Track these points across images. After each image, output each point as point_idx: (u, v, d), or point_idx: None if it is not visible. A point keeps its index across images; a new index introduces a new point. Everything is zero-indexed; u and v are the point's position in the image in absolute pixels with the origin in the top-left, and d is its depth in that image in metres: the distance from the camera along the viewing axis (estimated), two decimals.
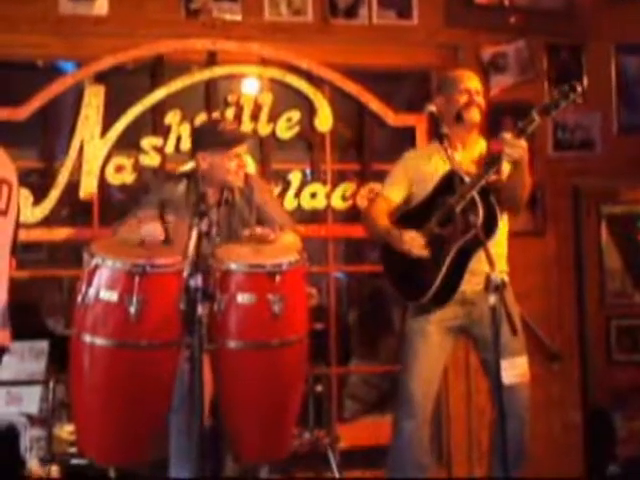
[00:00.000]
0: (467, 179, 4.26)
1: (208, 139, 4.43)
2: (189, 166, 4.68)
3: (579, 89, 4.22)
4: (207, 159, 4.38)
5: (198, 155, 4.42)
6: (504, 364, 4.19)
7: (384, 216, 4.52)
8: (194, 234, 3.86)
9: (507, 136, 4.23)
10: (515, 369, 4.31)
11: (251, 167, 5.03)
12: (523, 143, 4.20)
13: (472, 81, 4.58)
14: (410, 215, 4.50)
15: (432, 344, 4.44)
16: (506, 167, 4.32)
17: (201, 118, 5.45)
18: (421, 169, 4.54)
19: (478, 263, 4.24)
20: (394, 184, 4.60)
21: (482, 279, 4.15)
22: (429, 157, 4.55)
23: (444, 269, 4.31)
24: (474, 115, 4.49)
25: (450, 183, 4.24)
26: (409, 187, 4.57)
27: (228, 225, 4.42)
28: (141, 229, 4.14)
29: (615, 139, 6.06)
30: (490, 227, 4.23)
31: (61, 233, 5.44)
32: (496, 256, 4.06)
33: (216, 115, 5.49)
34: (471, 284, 4.34)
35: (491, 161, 4.28)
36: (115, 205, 5.63)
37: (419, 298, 4.38)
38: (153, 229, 4.13)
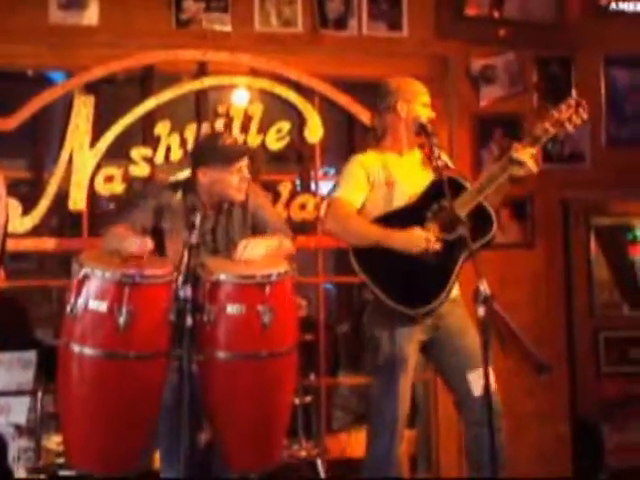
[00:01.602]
0: (468, 185, 4.28)
1: (209, 155, 4.37)
2: (184, 175, 4.65)
3: (583, 103, 4.32)
4: (207, 175, 4.35)
5: (199, 171, 4.38)
6: (471, 376, 4.22)
7: (364, 219, 4.42)
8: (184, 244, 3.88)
9: (518, 146, 4.29)
10: (482, 380, 4.28)
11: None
12: (534, 152, 4.29)
13: (427, 95, 4.57)
14: (389, 219, 4.38)
15: (409, 364, 4.36)
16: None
17: (191, 129, 5.46)
18: (379, 174, 4.47)
19: None
20: (355, 187, 4.46)
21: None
22: (377, 162, 4.50)
23: (454, 277, 4.29)
24: (434, 128, 4.47)
25: (444, 189, 4.19)
26: (367, 191, 4.46)
27: (226, 233, 4.41)
28: (125, 241, 4.11)
29: (604, 151, 6.08)
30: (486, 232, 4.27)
31: (50, 243, 5.43)
32: None
33: (217, 128, 5.50)
34: None
35: (501, 169, 4.29)
36: (104, 215, 5.62)
37: (419, 306, 4.29)
38: (139, 243, 4.09)
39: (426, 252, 4.23)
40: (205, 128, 5.50)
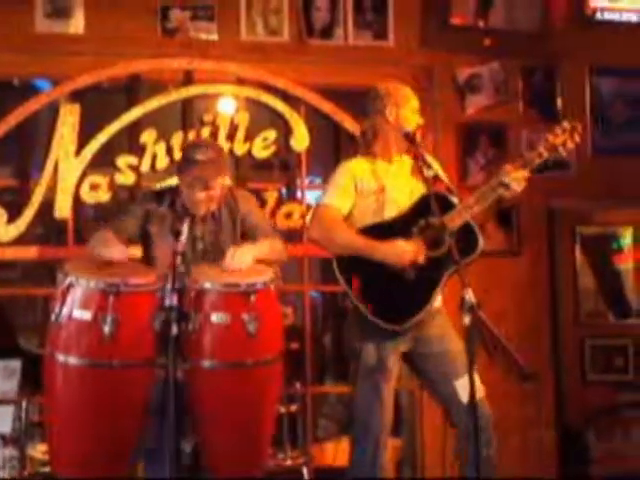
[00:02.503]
0: (456, 201, 4.26)
1: (183, 165, 4.38)
2: (172, 181, 4.65)
3: (578, 127, 4.32)
4: (180, 182, 4.39)
5: (180, 176, 4.40)
6: (459, 384, 4.20)
7: (350, 228, 4.37)
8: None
9: (509, 168, 4.25)
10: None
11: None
12: (526, 175, 4.25)
13: (417, 101, 4.54)
14: (375, 231, 4.34)
15: (391, 375, 4.33)
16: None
17: (177, 138, 5.46)
18: (369, 182, 4.42)
19: None
20: (342, 194, 4.41)
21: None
22: (370, 170, 4.45)
23: (436, 294, 4.27)
24: (421, 137, 4.45)
25: (433, 204, 4.17)
26: (355, 199, 4.41)
27: (215, 240, 4.40)
28: (105, 249, 4.13)
29: (589, 160, 6.09)
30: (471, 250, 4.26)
31: (35, 252, 5.41)
32: None
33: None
34: None
35: (491, 189, 4.26)
36: (90, 224, 5.61)
37: (399, 322, 4.25)
38: (115, 254, 4.11)
39: (409, 266, 4.23)
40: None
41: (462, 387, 4.14)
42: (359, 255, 4.28)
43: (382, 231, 4.33)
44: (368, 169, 4.46)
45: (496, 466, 4.32)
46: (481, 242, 4.25)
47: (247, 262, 4.19)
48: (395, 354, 4.34)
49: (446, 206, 4.25)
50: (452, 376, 4.28)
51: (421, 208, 4.29)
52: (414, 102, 4.51)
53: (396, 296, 4.28)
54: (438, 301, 4.41)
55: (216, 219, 4.42)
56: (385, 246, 4.25)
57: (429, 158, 4.50)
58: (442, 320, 4.42)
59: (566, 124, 4.33)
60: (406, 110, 4.46)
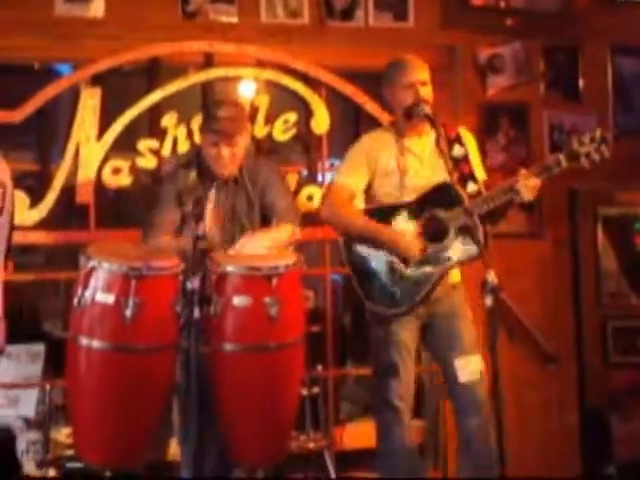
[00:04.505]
0: (463, 197, 4.16)
1: (205, 122, 4.46)
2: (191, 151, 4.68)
3: (609, 139, 4.16)
4: (203, 141, 4.44)
5: (201, 135, 4.49)
6: (458, 362, 4.21)
7: (356, 209, 4.40)
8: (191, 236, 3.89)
9: (524, 173, 4.14)
10: (469, 367, 4.27)
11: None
12: (538, 183, 4.14)
13: (417, 72, 4.40)
14: (383, 214, 4.36)
15: (405, 348, 4.35)
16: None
17: (198, 121, 5.43)
18: (380, 159, 4.41)
19: None
20: (355, 172, 4.42)
21: (447, 280, 4.21)
22: (387, 147, 4.44)
23: (429, 287, 4.27)
24: (423, 110, 4.28)
25: (443, 195, 4.17)
26: (369, 176, 4.41)
27: (232, 205, 4.41)
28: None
29: (611, 141, 6.05)
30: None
31: (57, 236, 5.43)
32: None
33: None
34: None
35: (502, 191, 4.19)
36: (111, 207, 5.62)
37: (392, 308, 4.31)
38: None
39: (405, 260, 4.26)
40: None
41: (461, 365, 4.18)
42: (362, 237, 4.32)
43: (390, 215, 4.35)
44: (384, 145, 4.44)
45: (489, 452, 4.18)
46: (481, 243, 4.13)
47: (256, 251, 4.22)
48: (407, 329, 4.36)
49: (454, 200, 4.18)
50: (454, 354, 4.29)
51: (430, 198, 4.27)
52: (407, 78, 4.38)
53: (390, 283, 4.32)
54: (457, 276, 4.41)
55: (237, 184, 4.44)
56: (390, 234, 4.29)
57: (464, 134, 4.46)
58: (458, 297, 4.41)
59: (598, 133, 4.16)
60: (398, 89, 4.40)
